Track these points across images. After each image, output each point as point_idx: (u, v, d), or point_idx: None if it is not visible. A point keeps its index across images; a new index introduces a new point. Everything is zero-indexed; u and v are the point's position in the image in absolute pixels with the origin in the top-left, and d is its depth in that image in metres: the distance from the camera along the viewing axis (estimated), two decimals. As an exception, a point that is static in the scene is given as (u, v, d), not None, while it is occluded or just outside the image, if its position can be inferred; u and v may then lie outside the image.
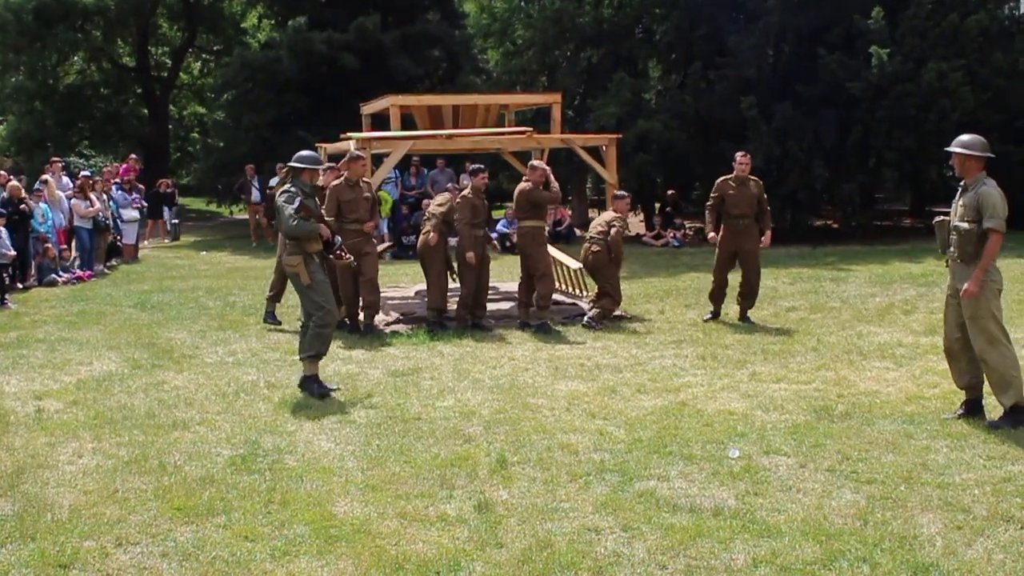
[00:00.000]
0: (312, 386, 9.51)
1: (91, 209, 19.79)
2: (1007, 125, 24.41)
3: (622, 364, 10.76)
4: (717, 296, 13.39)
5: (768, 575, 5.43)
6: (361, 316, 12.97)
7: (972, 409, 8.36)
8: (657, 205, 28.32)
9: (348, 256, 10.34)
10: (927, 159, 24.66)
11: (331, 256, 9.86)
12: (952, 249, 8.33)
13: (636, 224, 29.31)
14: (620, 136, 15.34)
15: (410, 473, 7.23)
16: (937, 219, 8.67)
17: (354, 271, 12.43)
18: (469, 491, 6.83)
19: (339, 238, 10.06)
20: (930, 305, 14.09)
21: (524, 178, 13.36)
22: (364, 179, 12.92)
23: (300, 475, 7.21)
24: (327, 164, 11.06)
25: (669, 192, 26.39)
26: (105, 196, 21.12)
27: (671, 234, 25.24)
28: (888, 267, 18.86)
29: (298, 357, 9.79)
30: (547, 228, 13.84)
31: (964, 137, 8.34)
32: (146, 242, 26.91)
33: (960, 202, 8.27)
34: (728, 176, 13.38)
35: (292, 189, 9.53)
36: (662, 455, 7.56)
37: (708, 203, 13.54)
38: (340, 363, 10.95)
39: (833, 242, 24.39)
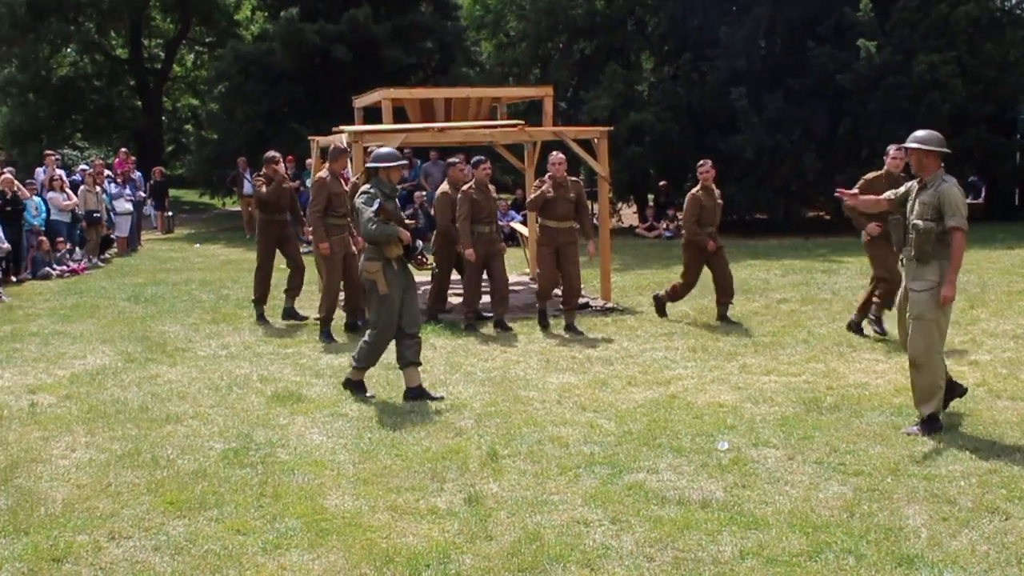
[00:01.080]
0: (358, 388, 9.33)
1: (68, 203, 19.81)
2: (998, 116, 24.51)
3: (613, 357, 10.81)
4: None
5: (754, 567, 5.47)
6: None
7: (949, 395, 8.24)
8: (650, 197, 28.34)
9: (430, 261, 9.98)
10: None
11: (412, 262, 9.36)
12: (909, 248, 8.03)
13: (629, 216, 29.37)
14: (611, 128, 15.34)
15: (401, 466, 7.27)
16: (892, 217, 8.33)
17: (346, 271, 12.30)
18: (459, 484, 6.87)
19: (420, 243, 9.63)
20: (920, 297, 14.12)
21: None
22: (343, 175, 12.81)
23: (292, 468, 7.25)
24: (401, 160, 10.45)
25: (661, 183, 26.42)
26: (98, 189, 21.13)
27: (664, 225, 25.28)
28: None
29: (350, 364, 9.42)
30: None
31: (920, 133, 8.07)
32: (158, 231, 27.10)
33: (919, 199, 7.98)
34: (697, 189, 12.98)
35: (371, 190, 9.05)
36: (651, 447, 7.60)
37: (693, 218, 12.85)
38: (332, 356, 10.99)
39: (825, 233, 24.41)
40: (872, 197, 8.96)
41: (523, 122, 15.23)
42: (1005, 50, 24.40)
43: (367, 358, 9.25)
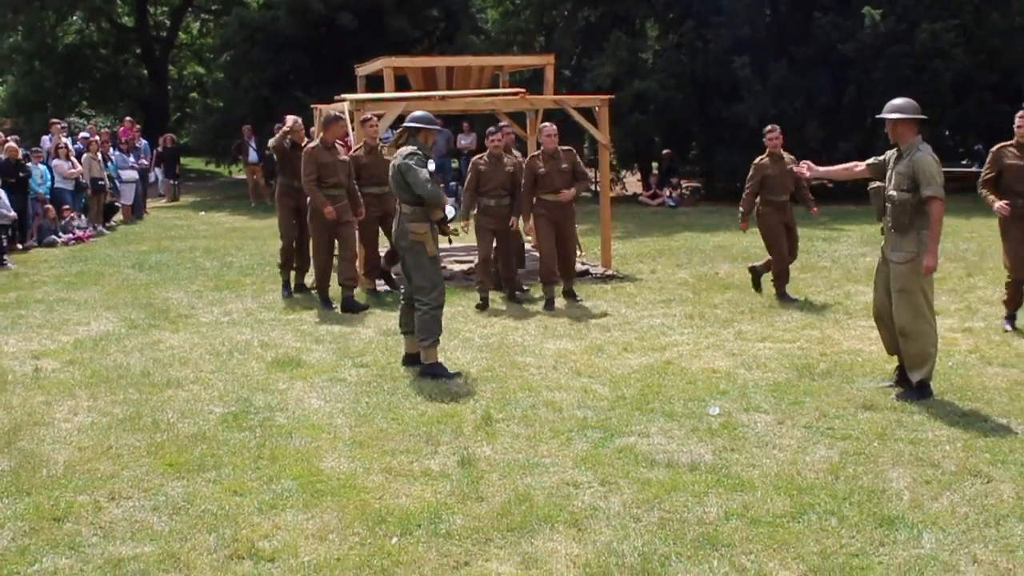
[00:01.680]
0: (439, 370, 8.87)
1: (73, 171, 19.92)
2: (1002, 85, 24.43)
3: (611, 323, 10.91)
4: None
5: (738, 527, 5.59)
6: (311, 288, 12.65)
7: (906, 376, 8.14)
8: (654, 165, 28.35)
9: (453, 228, 9.57)
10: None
11: (441, 227, 9.16)
12: (887, 218, 8.03)
13: (633, 183, 29.39)
14: (612, 97, 15.37)
15: (397, 430, 7.40)
16: (872, 186, 8.26)
17: (331, 241, 12.11)
18: (453, 447, 6.99)
19: (452, 209, 9.44)
20: (918, 265, 14.20)
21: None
22: (339, 142, 12.46)
23: (289, 432, 7.38)
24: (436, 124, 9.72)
25: (665, 152, 26.43)
26: (101, 157, 21.23)
27: (667, 193, 25.31)
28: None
29: (418, 345, 9.02)
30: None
31: (896, 101, 7.97)
32: (163, 200, 27.26)
33: (895, 169, 7.93)
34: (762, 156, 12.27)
35: (418, 151, 8.94)
36: (644, 412, 7.71)
37: (750, 188, 12.23)
38: (333, 323, 11.10)
39: (827, 201, 24.32)
40: (840, 167, 8.86)
41: (524, 90, 15.28)
42: (1011, 19, 24.33)
43: (432, 328, 8.94)
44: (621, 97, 22.62)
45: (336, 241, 12.16)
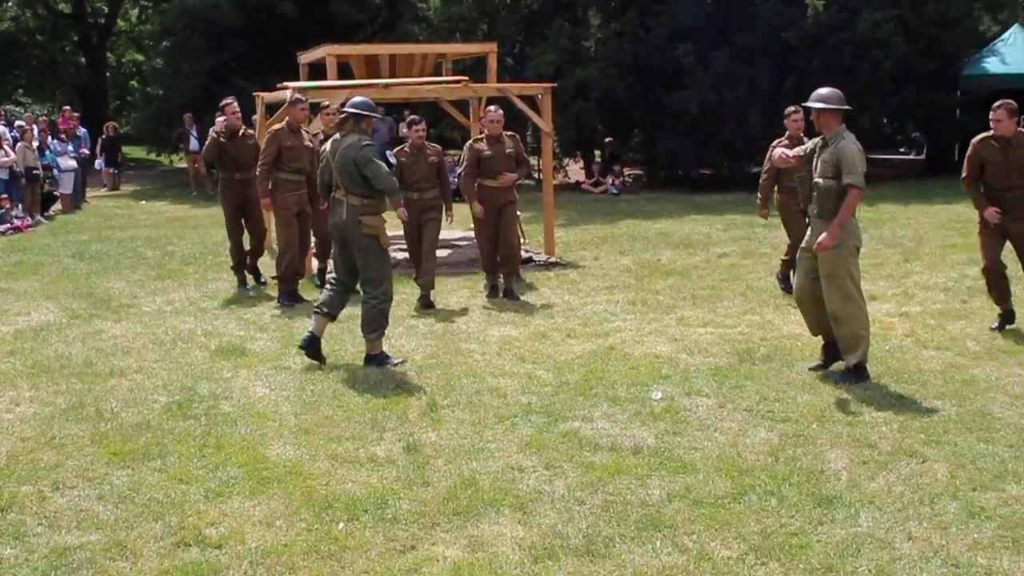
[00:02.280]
0: (384, 359, 8.81)
1: (6, 159, 19.68)
2: (939, 74, 24.81)
3: (554, 310, 11.00)
4: None
5: (680, 509, 5.69)
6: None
7: (831, 353, 8.35)
8: (596, 152, 28.50)
9: (402, 213, 9.72)
10: (860, 107, 24.96)
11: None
12: (813, 206, 8.15)
13: (576, 171, 29.54)
14: (555, 85, 15.46)
15: (342, 417, 7.43)
16: (799, 175, 8.40)
17: (299, 228, 11.71)
18: (399, 433, 7.04)
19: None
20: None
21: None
22: (305, 128, 12.07)
23: (235, 420, 7.39)
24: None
25: (607, 139, 26.58)
26: (37, 146, 20.99)
27: (610, 181, 25.46)
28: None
29: (365, 337, 8.88)
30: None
31: (821, 91, 8.12)
32: (103, 189, 27.00)
33: (820, 157, 8.06)
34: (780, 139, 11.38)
35: (372, 142, 8.81)
36: (587, 397, 7.80)
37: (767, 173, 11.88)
38: (276, 311, 11.10)
39: (769, 189, 24.66)
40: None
41: (467, 78, 15.30)
42: (946, 8, 24.70)
43: (380, 321, 8.85)
44: (564, 85, 22.69)
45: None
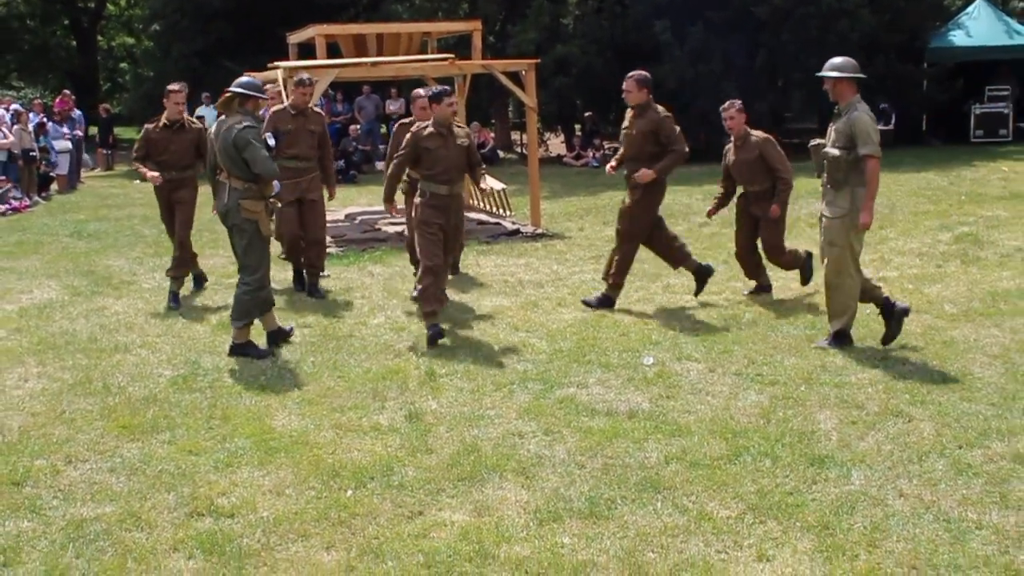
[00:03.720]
0: (250, 350, 8.32)
1: (4, 141, 19.47)
2: (906, 45, 24.74)
3: (544, 280, 10.95)
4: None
5: (678, 470, 5.66)
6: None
7: (888, 313, 8.04)
8: (577, 127, 28.40)
9: (276, 201, 8.57)
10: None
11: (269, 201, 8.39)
12: (824, 174, 7.97)
13: (556, 145, 29.43)
14: (539, 61, 15.35)
15: (344, 387, 7.38)
16: (813, 142, 8.20)
17: (296, 217, 10.33)
18: (400, 402, 6.99)
19: (278, 183, 8.54)
20: (833, 218, 14.43)
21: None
22: (313, 109, 10.67)
23: (240, 392, 7.33)
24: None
25: (587, 114, 26.49)
26: (30, 127, 20.78)
27: (591, 154, 25.38)
28: (796, 183, 19.08)
29: (232, 324, 8.40)
30: None
31: (835, 60, 7.86)
32: (98, 169, 26.82)
33: (833, 127, 7.86)
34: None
35: (254, 124, 8.13)
36: (581, 364, 7.77)
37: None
38: (275, 285, 10.98)
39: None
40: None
41: (453, 56, 15.18)
42: (914, -20, 24.66)
43: (251, 310, 8.35)
44: (544, 62, 22.52)
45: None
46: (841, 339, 8.02)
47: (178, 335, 9.02)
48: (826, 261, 7.96)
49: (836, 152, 7.76)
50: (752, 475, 5.57)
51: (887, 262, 11.22)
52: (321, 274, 10.81)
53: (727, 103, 10.08)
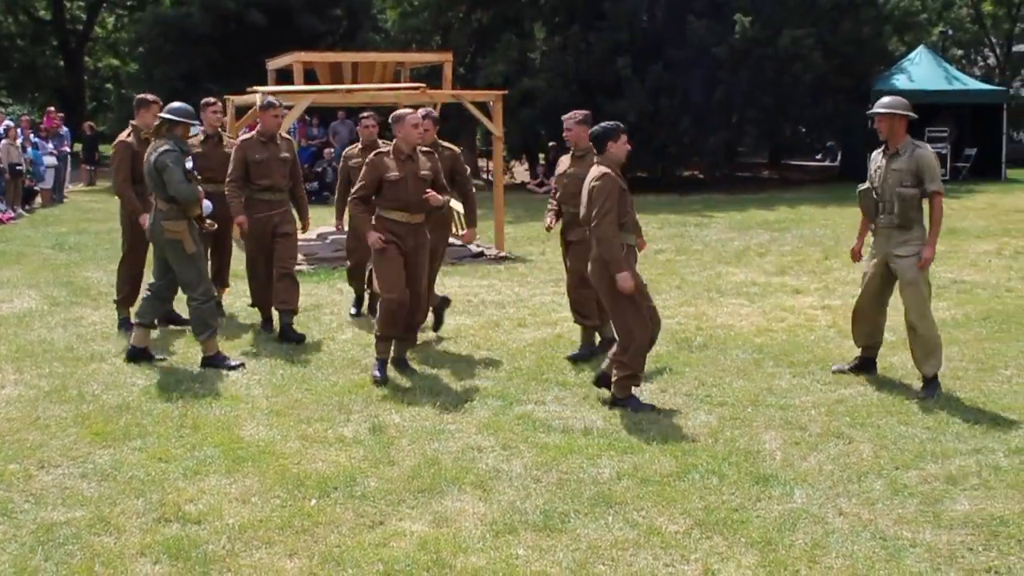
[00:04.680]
0: (219, 361, 8.20)
1: None
2: (853, 88, 25.04)
3: (505, 301, 10.92)
4: None
5: (630, 486, 5.63)
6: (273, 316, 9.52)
7: (865, 366, 7.83)
8: (540, 156, 28.47)
9: (211, 223, 8.33)
10: (783, 117, 25.19)
11: (200, 223, 8.22)
12: (890, 216, 7.37)
13: (521, 173, 29.48)
14: (506, 92, 15.38)
15: (311, 399, 7.30)
16: (861, 188, 7.62)
17: (267, 256, 9.27)
18: (365, 415, 6.93)
19: (209, 203, 8.28)
20: (781, 248, 14.52)
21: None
22: (283, 135, 9.70)
23: (210, 402, 7.24)
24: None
25: (551, 144, 26.54)
26: (18, 143, 20.59)
27: (552, 182, 25.39)
28: (746, 214, 19.27)
29: (198, 339, 8.27)
30: None
31: (886, 99, 7.42)
32: (81, 184, 26.62)
33: (891, 166, 7.32)
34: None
35: (174, 148, 7.95)
36: (539, 382, 7.73)
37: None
38: (246, 299, 10.89)
39: (698, 191, 24.79)
40: (862, 231, 7.95)
41: (424, 85, 15.18)
42: (859, 28, 24.94)
43: (208, 321, 8.19)
44: (511, 93, 22.58)
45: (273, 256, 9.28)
46: (935, 384, 7.36)
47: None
48: (908, 304, 7.37)
49: (907, 191, 7.27)
50: (700, 492, 5.54)
51: (831, 291, 11.27)
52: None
53: (570, 113, 8.66)
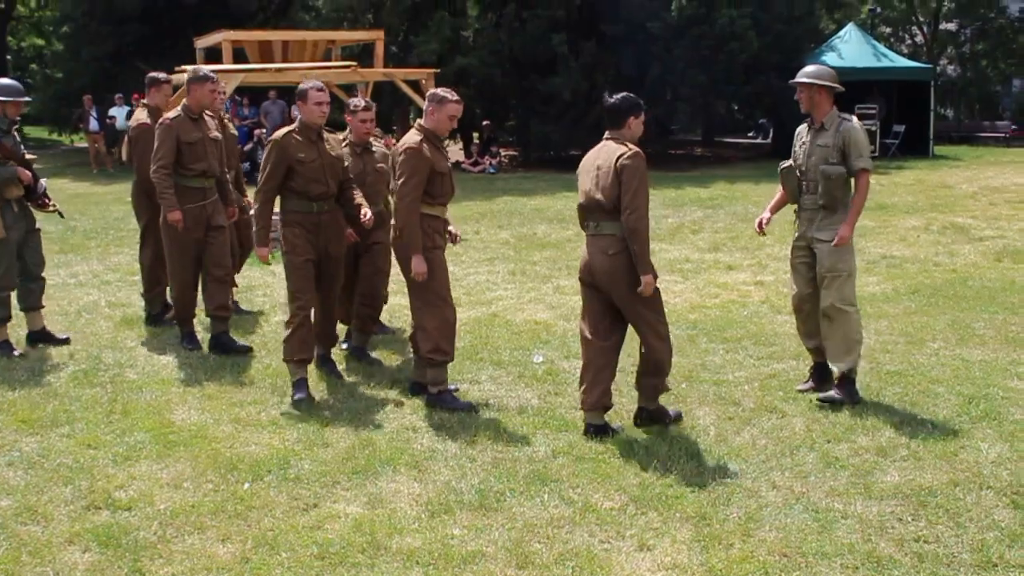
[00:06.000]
0: (5, 349, 7.90)
1: None
2: (784, 66, 25.22)
3: (441, 280, 10.86)
4: None
5: (565, 464, 5.64)
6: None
7: (822, 374, 6.92)
8: (475, 135, 28.39)
9: (54, 204, 7.92)
10: (717, 94, 25.33)
11: (36, 204, 7.92)
12: (814, 196, 6.62)
13: (455, 152, 29.37)
14: (439, 71, 15.32)
15: (244, 383, 7.22)
16: (783, 165, 6.88)
17: (196, 256, 8.03)
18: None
19: (44, 182, 7.89)
20: (715, 226, 14.62)
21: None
22: (208, 113, 8.30)
23: (140, 387, 7.13)
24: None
25: (485, 123, 26.50)
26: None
27: (488, 161, 25.36)
28: (680, 191, 19.38)
29: None
30: None
31: (810, 68, 6.71)
32: None
33: (817, 142, 6.60)
34: None
35: None
36: (474, 361, 7.72)
37: None
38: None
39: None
40: (774, 203, 7.13)
41: (356, 64, 15.05)
42: (791, 6, 25.15)
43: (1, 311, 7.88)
44: (445, 72, 22.51)
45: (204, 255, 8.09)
46: (851, 386, 6.68)
47: (81, 331, 8.74)
48: (827, 292, 6.62)
49: (840, 169, 6.54)
50: (634, 468, 5.57)
51: (764, 267, 11.38)
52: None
53: (359, 101, 7.81)
